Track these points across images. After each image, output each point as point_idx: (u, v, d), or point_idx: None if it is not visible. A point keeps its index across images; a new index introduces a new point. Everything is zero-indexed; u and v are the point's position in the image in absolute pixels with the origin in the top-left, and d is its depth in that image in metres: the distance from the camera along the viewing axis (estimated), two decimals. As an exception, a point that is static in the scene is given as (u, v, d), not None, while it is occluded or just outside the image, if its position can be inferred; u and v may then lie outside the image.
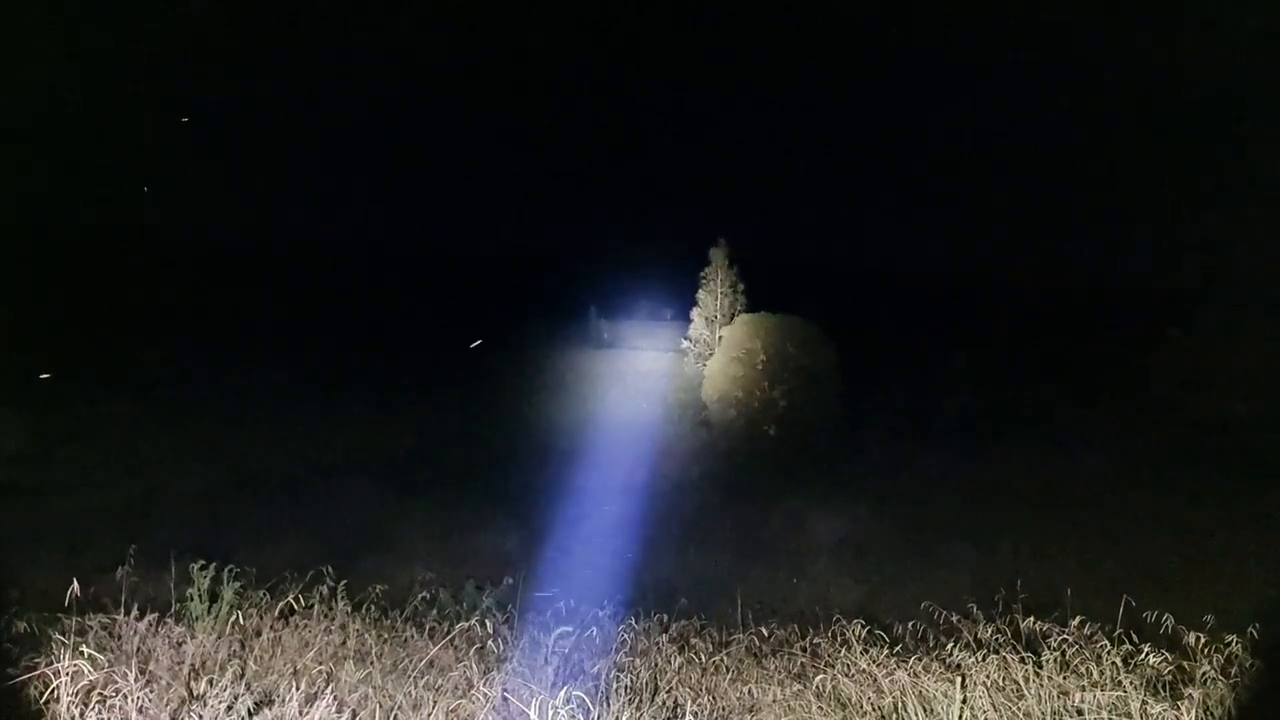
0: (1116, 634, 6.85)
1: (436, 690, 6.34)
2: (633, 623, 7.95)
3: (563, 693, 5.35)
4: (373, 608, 8.09)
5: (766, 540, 13.22)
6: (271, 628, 7.19)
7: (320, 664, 6.42)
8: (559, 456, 18.21)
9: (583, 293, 33.46)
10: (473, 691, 6.21)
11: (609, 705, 6.38)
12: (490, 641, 7.24)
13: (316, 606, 7.75)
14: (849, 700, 6.65)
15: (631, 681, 6.85)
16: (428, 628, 7.72)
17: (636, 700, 6.55)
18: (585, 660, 7.28)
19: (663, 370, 24.92)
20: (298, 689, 5.82)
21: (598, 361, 27.74)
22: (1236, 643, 6.61)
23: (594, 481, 16.29)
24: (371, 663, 6.50)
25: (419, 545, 11.62)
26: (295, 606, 7.55)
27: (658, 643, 7.66)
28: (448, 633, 7.40)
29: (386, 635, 7.40)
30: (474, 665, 6.75)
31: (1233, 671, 6.49)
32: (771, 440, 21.72)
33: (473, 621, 7.32)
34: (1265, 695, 6.28)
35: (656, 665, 7.16)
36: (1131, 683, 6.41)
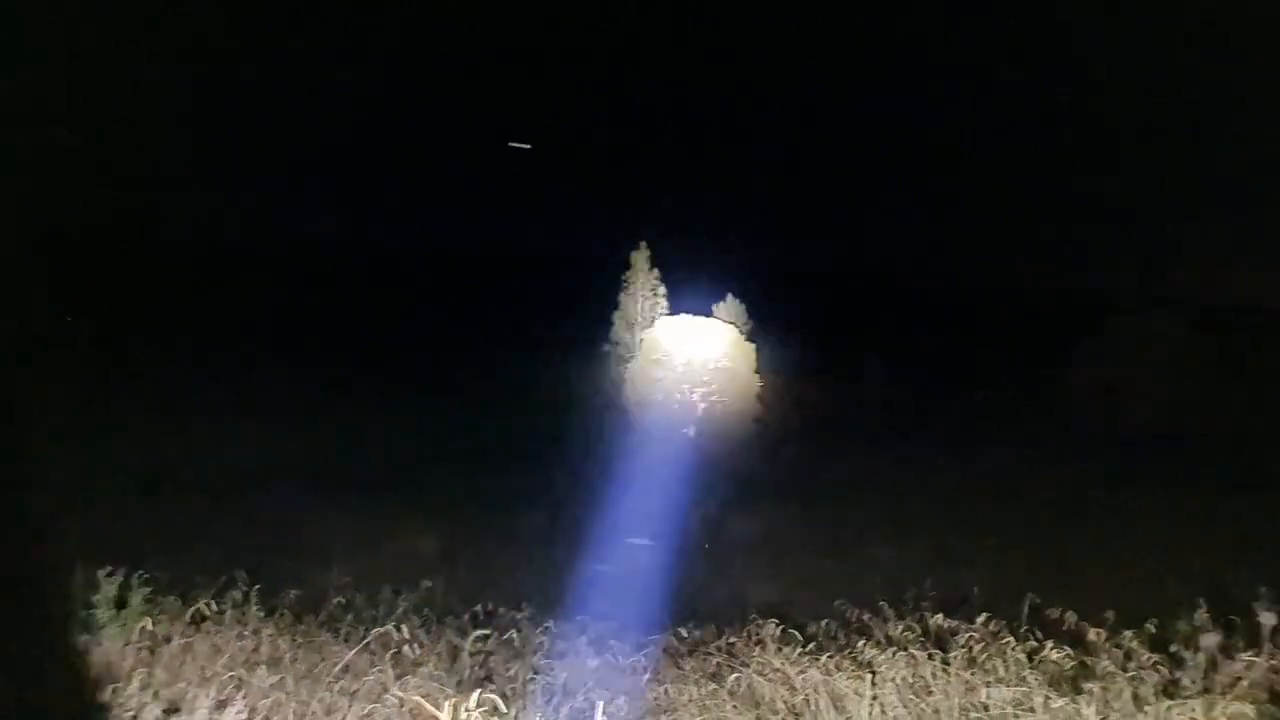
0: (1021, 630, 7.44)
1: (351, 695, 6.70)
2: (550, 625, 8.42)
3: (474, 696, 5.75)
4: (287, 613, 8.42)
5: (685, 541, 13.84)
6: (182, 634, 7.45)
7: (231, 671, 6.72)
8: (481, 459, 18.70)
9: (539, 294, 34.28)
10: (386, 696, 6.60)
11: (525, 707, 6.82)
12: (406, 646, 7.63)
13: (229, 612, 8.04)
14: (763, 699, 7.16)
15: (548, 684, 7.29)
16: (343, 632, 8.00)
17: (553, 702, 7.00)
18: (502, 663, 7.71)
19: (592, 374, 25.83)
20: (207, 696, 6.13)
21: (535, 363, 28.52)
22: (1134, 638, 7.27)
23: (516, 483, 16.84)
24: (284, 668, 6.84)
25: (338, 549, 11.96)
26: (206, 612, 7.83)
27: (576, 645, 8.14)
28: (364, 637, 7.77)
29: (300, 640, 7.71)
30: (389, 670, 7.13)
31: (1131, 666, 7.13)
32: (691, 442, 22.78)
33: (389, 626, 7.70)
34: (1160, 687, 6.92)
35: (574, 667, 7.62)
36: (1035, 678, 7.01)
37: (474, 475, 17.75)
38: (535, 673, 7.37)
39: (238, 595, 8.23)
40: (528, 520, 14.87)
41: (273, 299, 31.72)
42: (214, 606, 7.85)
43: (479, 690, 5.81)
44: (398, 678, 6.85)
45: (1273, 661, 6.79)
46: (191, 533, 12.95)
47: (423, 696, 6.41)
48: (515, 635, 8.04)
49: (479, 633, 7.87)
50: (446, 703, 5.71)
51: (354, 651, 7.21)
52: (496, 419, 23.20)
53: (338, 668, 6.91)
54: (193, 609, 7.76)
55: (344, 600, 8.84)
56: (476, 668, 7.49)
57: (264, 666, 6.79)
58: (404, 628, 7.62)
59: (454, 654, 7.69)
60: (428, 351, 28.55)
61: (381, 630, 7.58)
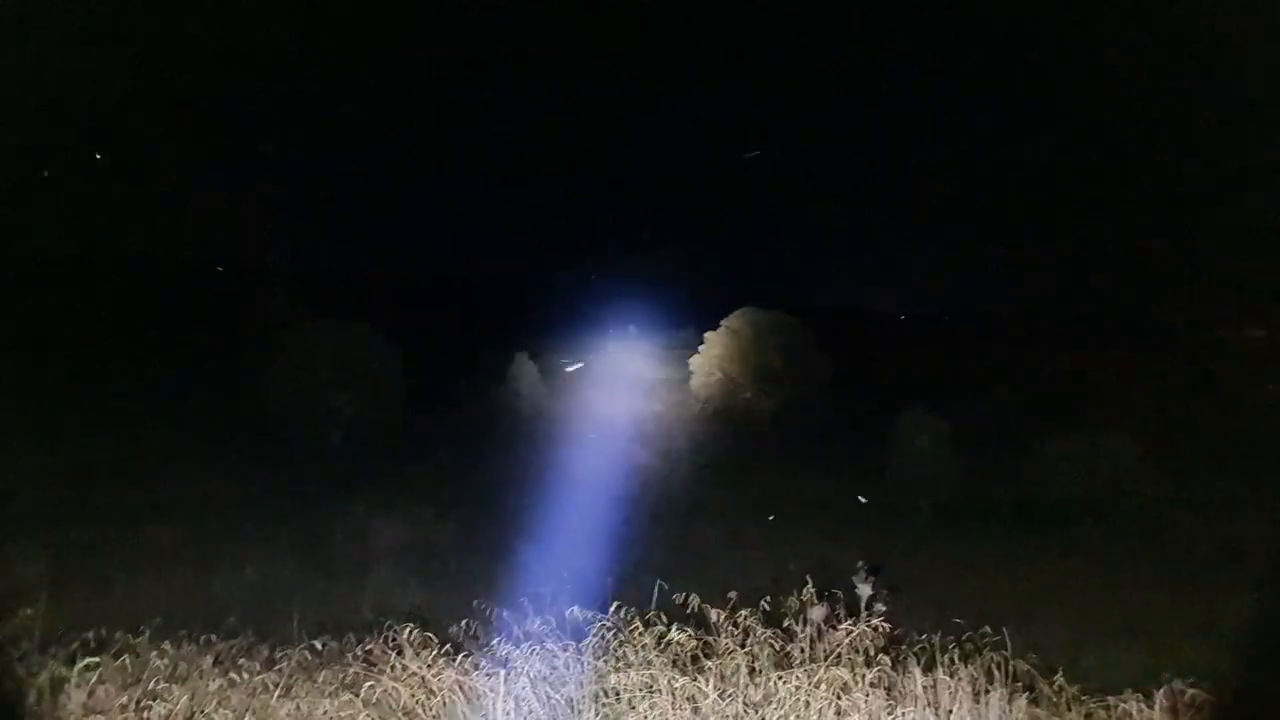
0: (649, 616, 9.02)
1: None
2: (168, 647, 9.09)
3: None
4: None
5: (327, 550, 14.77)
6: None
7: None
8: (92, 474, 18.70)
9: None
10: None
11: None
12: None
13: None
14: (398, 704, 8.32)
15: (166, 710, 8.05)
16: None
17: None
18: (116, 692, 8.35)
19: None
20: None
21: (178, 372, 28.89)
22: (750, 616, 9.03)
23: (132, 499, 17.09)
24: None
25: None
26: None
27: (200, 666, 8.90)
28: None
29: None
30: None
31: (748, 642, 8.88)
32: (335, 449, 24.05)
33: (-26, 662, 8.09)
34: (771, 660, 8.72)
35: (196, 690, 8.40)
36: (661, 661, 8.58)
37: (88, 487, 17.73)
38: (152, 699, 8.09)
39: None
40: (154, 536, 15.19)
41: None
42: None
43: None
44: (-13, 719, 7.38)
45: (868, 627, 8.78)
46: None
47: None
48: (131, 661, 8.67)
49: (88, 660, 8.44)
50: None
51: (-70, 694, 7.63)
52: (114, 426, 22.99)
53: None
54: None
55: (-79, 637, 9.04)
56: (85, 699, 8.11)
57: None
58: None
59: (58, 686, 8.28)
60: (31, 350, 27.56)
61: (-34, 666, 8.01)
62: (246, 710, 7.97)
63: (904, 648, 8.75)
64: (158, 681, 8.22)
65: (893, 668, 8.12)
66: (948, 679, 8.00)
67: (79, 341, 29.23)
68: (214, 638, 9.54)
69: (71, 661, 8.51)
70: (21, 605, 9.94)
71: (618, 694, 8.07)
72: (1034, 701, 7.99)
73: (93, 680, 8.21)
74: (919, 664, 8.19)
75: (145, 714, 7.77)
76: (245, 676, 8.45)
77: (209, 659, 8.95)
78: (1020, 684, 8.22)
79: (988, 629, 8.79)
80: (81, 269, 35.84)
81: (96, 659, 8.42)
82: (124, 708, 7.79)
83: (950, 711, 7.73)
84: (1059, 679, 8.21)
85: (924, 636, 8.90)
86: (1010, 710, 7.75)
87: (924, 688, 7.89)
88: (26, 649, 8.87)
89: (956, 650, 8.53)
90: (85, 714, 7.63)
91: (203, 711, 7.74)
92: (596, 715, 7.68)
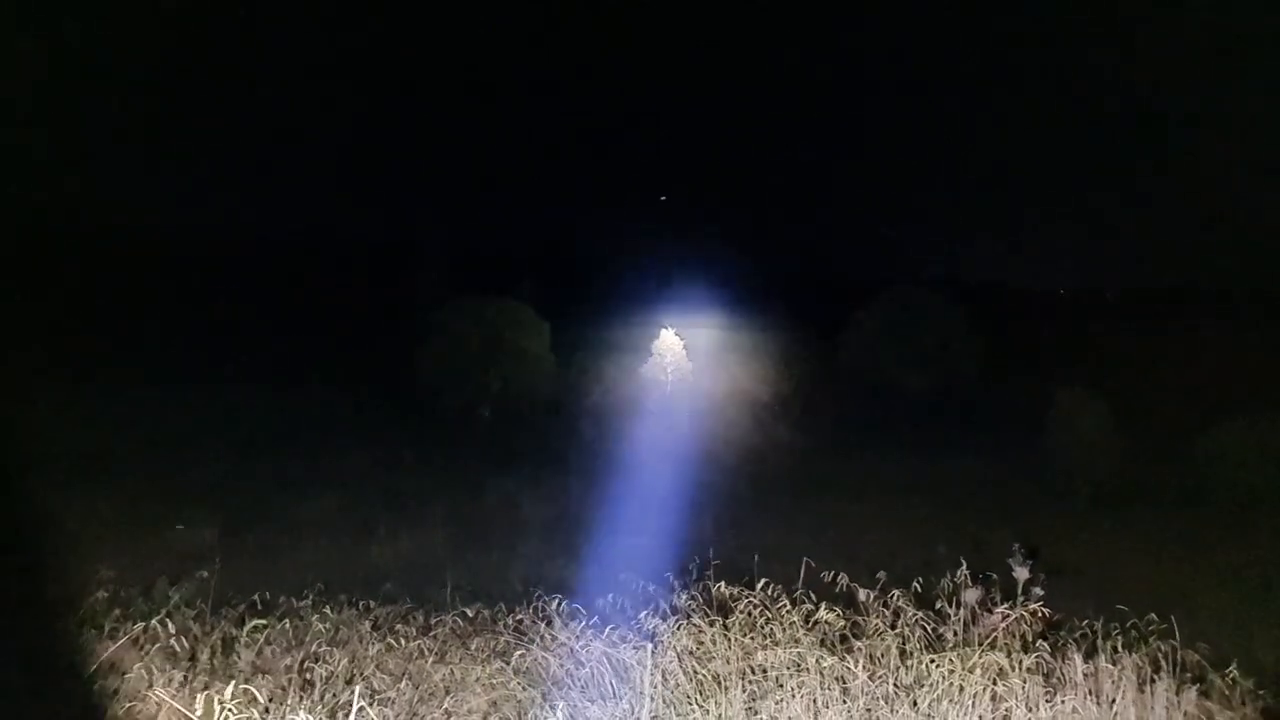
0: (797, 595, 8.89)
1: (111, 695, 7.58)
2: (329, 611, 9.44)
3: (230, 688, 6.72)
4: (41, 609, 9.13)
5: (479, 522, 15.07)
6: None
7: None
8: (257, 447, 19.51)
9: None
10: (148, 692, 7.52)
11: (301, 697, 7.86)
12: (174, 640, 8.51)
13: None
14: (548, 673, 8.43)
15: (327, 672, 8.34)
16: (107, 628, 8.72)
17: (328, 690, 8.05)
18: (280, 653, 8.71)
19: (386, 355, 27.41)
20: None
21: (321, 345, 29.81)
22: (901, 597, 8.79)
23: (294, 470, 17.80)
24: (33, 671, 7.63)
25: (103, 540, 12.62)
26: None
27: (359, 630, 9.20)
28: (130, 633, 8.60)
29: (56, 639, 8.52)
30: (154, 665, 8.02)
31: (899, 623, 8.66)
32: (486, 423, 24.49)
33: (154, 621, 8.55)
34: (923, 642, 8.47)
35: (355, 653, 8.69)
36: (809, 639, 8.44)
37: (253, 459, 18.59)
38: (315, 661, 8.40)
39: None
40: (315, 505, 15.81)
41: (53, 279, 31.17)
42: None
43: (233, 682, 6.78)
44: (164, 673, 7.78)
45: (1024, 612, 8.44)
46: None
47: (190, 690, 7.41)
48: (294, 624, 9.02)
49: (256, 622, 8.81)
50: (200, 695, 6.68)
51: (115, 647, 8.08)
52: (276, 401, 23.94)
53: (96, 665, 7.77)
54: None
55: (107, 594, 9.61)
56: (253, 658, 8.47)
57: (14, 668, 7.57)
58: (170, 621, 8.50)
59: (229, 645, 8.67)
60: (201, 332, 28.93)
61: (146, 625, 8.46)
62: (403, 674, 8.17)
63: (1063, 633, 8.39)
64: (320, 644, 8.48)
65: (1051, 654, 7.75)
66: (1110, 666, 7.60)
67: (242, 321, 30.56)
68: (372, 603, 9.85)
69: (241, 622, 8.88)
70: (197, 569, 10.47)
71: (765, 671, 7.95)
72: (1204, 694, 7.51)
73: (260, 641, 8.50)
74: (1079, 650, 7.79)
75: (308, 675, 7.99)
76: (402, 642, 8.68)
77: (367, 624, 9.26)
78: (1190, 675, 7.74)
79: (1154, 616, 8.33)
80: (245, 251, 37.35)
81: (263, 621, 8.76)
82: (289, 668, 8.06)
83: (1113, 701, 7.34)
84: (1233, 671, 7.69)
85: (1084, 622, 8.50)
86: (1179, 702, 7.30)
87: (1085, 675, 7.51)
88: (201, 609, 9.29)
89: (1120, 637, 8.09)
90: (253, 672, 7.89)
91: (362, 674, 7.93)
92: (743, 692, 7.58)
